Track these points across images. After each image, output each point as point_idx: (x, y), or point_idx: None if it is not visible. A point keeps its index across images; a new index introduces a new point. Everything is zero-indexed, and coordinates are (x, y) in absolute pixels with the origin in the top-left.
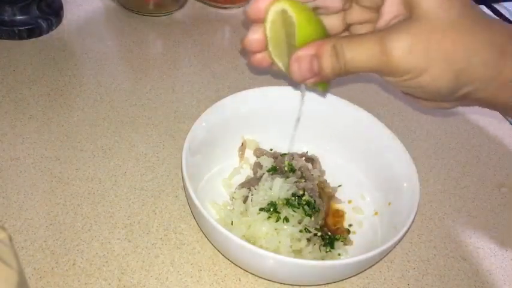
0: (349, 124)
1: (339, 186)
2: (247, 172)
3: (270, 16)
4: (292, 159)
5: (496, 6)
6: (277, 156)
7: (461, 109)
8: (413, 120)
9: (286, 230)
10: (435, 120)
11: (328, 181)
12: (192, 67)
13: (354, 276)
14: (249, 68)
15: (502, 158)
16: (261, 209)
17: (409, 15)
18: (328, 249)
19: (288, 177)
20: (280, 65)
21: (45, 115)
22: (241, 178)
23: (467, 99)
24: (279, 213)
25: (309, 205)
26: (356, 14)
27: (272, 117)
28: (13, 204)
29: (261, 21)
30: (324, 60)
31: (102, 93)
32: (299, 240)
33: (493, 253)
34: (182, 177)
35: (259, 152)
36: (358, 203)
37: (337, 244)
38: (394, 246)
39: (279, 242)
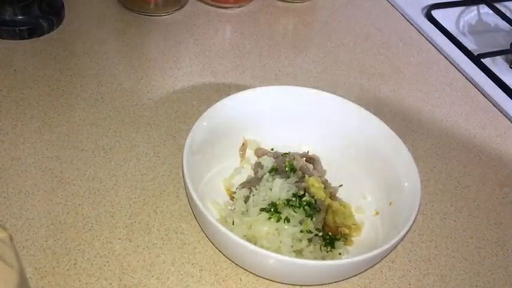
0: (350, 124)
1: (340, 186)
2: (248, 172)
3: None
4: (293, 159)
5: (497, 5)
6: (278, 156)
7: (461, 108)
8: (414, 120)
9: (287, 230)
10: (436, 120)
11: (329, 181)
12: (193, 67)
13: (354, 276)
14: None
15: (504, 158)
16: (262, 209)
17: None
18: (329, 249)
19: (288, 177)
20: None
21: (46, 115)
22: (242, 178)
23: None
24: (279, 213)
25: (310, 205)
26: None
27: (273, 117)
28: (14, 204)
29: None
30: None
31: (103, 93)
32: (300, 240)
33: (495, 253)
34: (183, 177)
35: (260, 152)
36: (359, 202)
37: (338, 244)
38: (395, 246)
39: (280, 242)
